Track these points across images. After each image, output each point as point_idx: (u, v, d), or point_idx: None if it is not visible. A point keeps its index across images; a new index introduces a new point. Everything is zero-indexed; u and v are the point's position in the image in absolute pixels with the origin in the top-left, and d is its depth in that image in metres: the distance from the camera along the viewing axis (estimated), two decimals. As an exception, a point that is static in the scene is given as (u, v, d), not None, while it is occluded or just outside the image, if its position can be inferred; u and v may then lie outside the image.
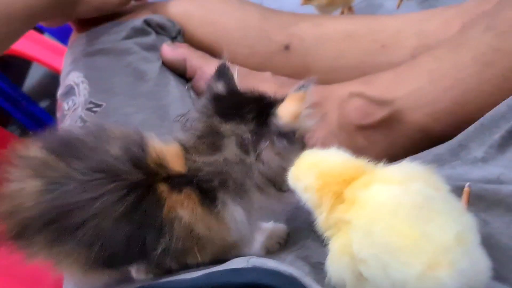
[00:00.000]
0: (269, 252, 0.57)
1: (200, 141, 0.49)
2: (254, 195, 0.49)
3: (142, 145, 0.49)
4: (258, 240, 0.57)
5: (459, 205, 0.37)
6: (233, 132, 0.48)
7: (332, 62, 0.77)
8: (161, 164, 0.48)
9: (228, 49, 0.79)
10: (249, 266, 0.43)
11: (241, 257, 0.47)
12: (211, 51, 0.81)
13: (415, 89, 0.62)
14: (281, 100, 0.48)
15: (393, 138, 0.64)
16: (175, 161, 0.49)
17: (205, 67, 0.77)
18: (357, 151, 0.66)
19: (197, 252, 0.49)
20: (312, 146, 0.68)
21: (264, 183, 0.49)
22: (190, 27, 0.83)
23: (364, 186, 0.39)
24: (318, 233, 0.48)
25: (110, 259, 0.47)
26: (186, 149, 0.49)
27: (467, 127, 0.55)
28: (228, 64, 0.53)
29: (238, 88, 0.52)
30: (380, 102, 0.65)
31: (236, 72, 0.53)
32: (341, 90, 0.70)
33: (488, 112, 0.54)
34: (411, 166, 0.40)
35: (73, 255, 0.47)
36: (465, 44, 0.58)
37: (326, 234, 0.41)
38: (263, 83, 0.75)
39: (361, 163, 0.43)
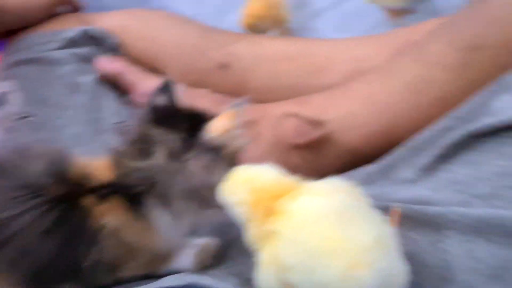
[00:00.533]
0: (201, 268, 0.57)
1: (132, 147, 0.49)
2: (179, 205, 0.49)
3: (65, 161, 0.49)
4: (189, 255, 0.57)
5: (379, 215, 0.39)
6: (164, 139, 0.49)
7: (268, 82, 0.78)
8: (85, 177, 0.48)
9: (165, 65, 0.80)
10: (183, 283, 0.43)
11: (174, 275, 0.47)
12: (149, 66, 0.80)
13: (348, 111, 0.64)
14: (214, 116, 0.49)
15: (326, 158, 0.66)
16: (102, 172, 0.49)
17: (142, 83, 0.76)
18: (291, 169, 0.68)
19: (128, 263, 0.49)
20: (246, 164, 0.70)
21: (188, 194, 0.49)
22: (127, 40, 0.82)
23: (292, 198, 0.41)
24: (249, 248, 0.51)
25: (39, 278, 0.46)
26: (118, 156, 0.49)
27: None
28: (173, 81, 0.54)
29: (179, 104, 0.53)
30: (314, 123, 0.67)
31: (180, 90, 0.54)
32: (276, 109, 0.71)
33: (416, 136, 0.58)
34: (335, 181, 0.42)
35: (1, 276, 0.46)
36: (395, 72, 0.61)
37: (256, 247, 0.42)
38: (199, 100, 0.76)
39: (291, 179, 0.44)
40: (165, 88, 0.53)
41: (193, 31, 0.80)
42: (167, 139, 0.49)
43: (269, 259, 0.40)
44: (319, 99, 0.69)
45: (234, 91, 0.80)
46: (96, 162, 0.50)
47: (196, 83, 0.79)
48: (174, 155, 0.48)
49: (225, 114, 0.49)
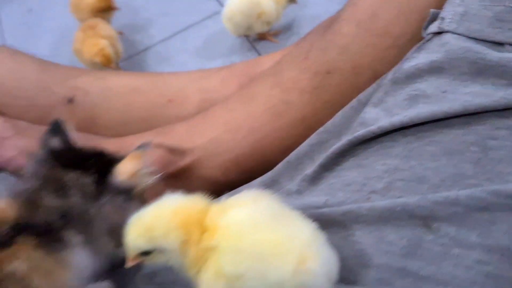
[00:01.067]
0: None
1: (41, 190, 0.48)
2: (98, 243, 0.48)
3: None
4: None
5: (300, 215, 0.44)
6: (77, 182, 0.48)
7: (120, 115, 0.77)
8: None
9: (1, 102, 0.72)
10: None
11: None
12: None
13: (212, 138, 0.68)
14: (120, 158, 0.51)
15: (195, 184, 0.68)
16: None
17: None
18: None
19: None
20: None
21: (106, 233, 0.49)
22: None
23: (220, 213, 0.43)
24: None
25: None
26: (29, 196, 0.47)
27: (267, 167, 0.64)
28: (62, 119, 0.54)
29: (75, 143, 0.53)
30: (180, 152, 0.69)
31: (70, 128, 0.55)
32: (137, 141, 0.71)
33: (284, 154, 0.63)
34: (250, 192, 0.46)
35: None
36: (255, 97, 0.67)
37: (195, 270, 0.43)
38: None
39: (201, 199, 0.46)
40: (56, 129, 0.53)
41: (30, 65, 0.75)
42: (79, 182, 0.48)
43: (214, 274, 0.41)
44: (180, 128, 0.71)
45: (84, 126, 0.76)
46: None
47: (39, 120, 0.74)
48: (88, 199, 0.48)
49: (131, 156, 0.51)
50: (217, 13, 1.10)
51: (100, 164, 0.50)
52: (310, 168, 0.56)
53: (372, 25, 0.58)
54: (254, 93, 0.67)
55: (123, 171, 0.49)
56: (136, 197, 0.50)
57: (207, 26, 1.10)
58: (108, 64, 0.91)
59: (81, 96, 0.76)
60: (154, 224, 0.43)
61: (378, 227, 0.46)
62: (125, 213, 0.48)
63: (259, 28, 0.98)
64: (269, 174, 0.60)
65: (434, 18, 0.53)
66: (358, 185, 0.50)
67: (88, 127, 0.76)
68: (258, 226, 0.42)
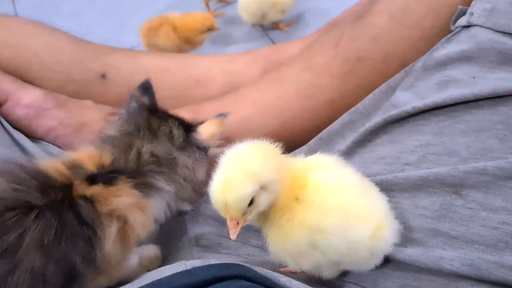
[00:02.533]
0: (149, 270, 0.58)
1: (134, 135, 0.55)
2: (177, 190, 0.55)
3: (33, 168, 0.48)
4: (133, 264, 0.58)
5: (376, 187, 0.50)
6: (167, 133, 0.56)
7: None
8: (75, 169, 0.49)
9: (39, 75, 0.76)
10: (190, 268, 0.45)
11: (169, 265, 0.48)
12: (19, 76, 0.74)
13: (243, 117, 0.72)
14: (201, 122, 0.59)
15: None
16: (90, 161, 0.51)
17: (19, 93, 0.70)
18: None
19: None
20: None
21: (183, 183, 0.56)
22: None
23: (308, 169, 0.48)
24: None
25: None
26: (125, 139, 0.54)
27: (295, 146, 0.69)
28: (151, 80, 0.61)
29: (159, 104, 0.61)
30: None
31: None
32: None
33: (311, 134, 0.69)
34: (326, 156, 0.51)
35: None
36: (286, 80, 0.72)
37: (279, 214, 0.47)
38: (85, 111, 0.74)
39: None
40: (146, 89, 0.60)
41: (66, 40, 0.77)
42: (169, 132, 0.55)
43: (299, 223, 0.46)
44: (212, 106, 0.75)
45: (116, 102, 0.80)
46: (78, 155, 0.51)
47: (75, 94, 0.77)
48: (176, 148, 0.54)
49: (211, 121, 0.58)
50: (233, 1, 1.15)
51: (184, 123, 0.57)
52: (341, 145, 0.62)
53: (404, 18, 0.64)
54: (285, 76, 0.73)
55: (204, 131, 0.57)
56: (210, 157, 0.57)
57: (222, 14, 1.16)
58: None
59: (113, 73, 0.79)
60: (252, 163, 0.45)
61: (413, 193, 0.52)
62: (196, 169, 0.56)
63: (274, 16, 1.04)
64: (302, 150, 0.66)
65: (462, 13, 0.59)
66: (392, 158, 0.56)
67: (120, 102, 0.79)
68: (345, 190, 0.47)
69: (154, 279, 0.45)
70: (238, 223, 0.45)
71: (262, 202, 0.45)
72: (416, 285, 0.49)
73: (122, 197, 0.48)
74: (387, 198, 0.50)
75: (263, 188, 0.45)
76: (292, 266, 0.50)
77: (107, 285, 0.54)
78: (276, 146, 0.49)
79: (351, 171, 0.50)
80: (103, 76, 0.79)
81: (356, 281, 0.51)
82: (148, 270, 0.58)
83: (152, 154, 0.53)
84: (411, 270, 0.49)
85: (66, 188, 0.46)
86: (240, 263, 0.47)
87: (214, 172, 0.47)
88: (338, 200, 0.46)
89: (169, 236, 0.62)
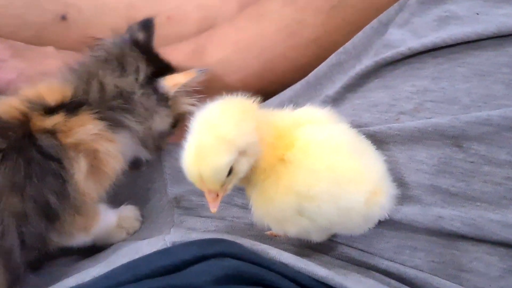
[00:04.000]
0: (129, 233, 0.55)
1: (101, 66, 0.52)
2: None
3: None
4: (112, 223, 0.55)
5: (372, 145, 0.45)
6: (134, 68, 0.52)
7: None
8: (33, 103, 0.47)
9: (-10, 20, 0.67)
10: (169, 245, 0.41)
11: (147, 240, 0.44)
12: None
13: (222, 58, 0.66)
14: (178, 70, 0.55)
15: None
16: (50, 94, 0.48)
17: None
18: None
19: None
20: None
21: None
22: None
23: (296, 125, 0.43)
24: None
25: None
26: (79, 76, 0.51)
27: (276, 89, 0.64)
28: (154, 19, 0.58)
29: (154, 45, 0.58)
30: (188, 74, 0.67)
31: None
32: None
33: (295, 75, 0.63)
34: (320, 109, 0.46)
35: None
36: (266, 16, 0.65)
37: (260, 178, 0.42)
38: (46, 59, 0.67)
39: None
40: (147, 26, 0.57)
41: (19, -21, 0.69)
42: (137, 66, 0.52)
43: (285, 189, 0.41)
44: (187, 48, 0.69)
45: (77, 46, 0.72)
46: (44, 85, 0.49)
47: (32, 40, 0.70)
48: (138, 82, 0.52)
49: (186, 72, 0.54)
50: None
51: (161, 66, 0.55)
52: (330, 89, 0.57)
53: None
54: (265, 12, 0.65)
55: (171, 79, 0.53)
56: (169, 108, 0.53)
57: None
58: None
59: (74, 13, 0.71)
60: (226, 127, 0.40)
61: (409, 146, 0.48)
62: (159, 116, 0.53)
63: None
64: (287, 93, 0.61)
65: None
66: (385, 106, 0.51)
67: (84, 46, 0.72)
68: (338, 150, 0.42)
69: (131, 258, 0.41)
70: (218, 195, 0.41)
71: (242, 168, 0.41)
72: (412, 246, 0.46)
73: (87, 126, 0.46)
74: (384, 158, 0.45)
75: (241, 153, 0.40)
76: (276, 231, 0.46)
77: (86, 241, 0.52)
78: (253, 101, 0.44)
79: (344, 127, 0.45)
80: (63, 18, 0.71)
81: (349, 242, 0.48)
82: (127, 233, 0.55)
83: (116, 87, 0.50)
84: (408, 230, 0.46)
85: (24, 124, 0.45)
86: (225, 235, 0.43)
87: (185, 139, 0.41)
88: (330, 162, 0.41)
89: (149, 197, 0.58)
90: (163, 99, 0.53)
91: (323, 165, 0.41)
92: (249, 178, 0.43)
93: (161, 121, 0.53)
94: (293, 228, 0.44)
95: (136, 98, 0.51)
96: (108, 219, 0.54)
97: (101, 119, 0.48)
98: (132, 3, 0.75)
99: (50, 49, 0.67)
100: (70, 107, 0.47)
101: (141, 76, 0.52)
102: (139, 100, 0.51)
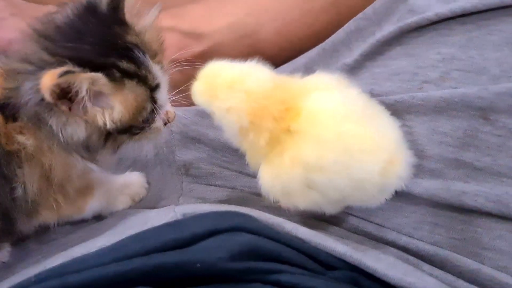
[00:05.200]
0: (134, 201, 0.54)
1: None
2: None
3: None
4: (116, 191, 0.53)
5: (386, 111, 0.42)
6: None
7: None
8: None
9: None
10: (180, 217, 0.39)
11: (156, 211, 0.42)
12: None
13: (233, 21, 0.63)
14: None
15: None
16: None
17: None
18: (173, 86, 0.65)
19: (55, 195, 0.44)
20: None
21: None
22: None
23: (303, 92, 0.40)
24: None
25: None
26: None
27: (289, 56, 0.61)
28: None
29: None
30: (197, 36, 0.64)
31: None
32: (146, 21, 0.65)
33: (311, 41, 0.60)
34: (330, 75, 0.43)
35: None
36: None
37: (264, 151, 0.40)
38: None
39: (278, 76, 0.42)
40: None
41: None
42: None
43: (291, 160, 0.39)
44: (197, 10, 0.66)
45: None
46: None
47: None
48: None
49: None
50: None
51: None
52: (348, 57, 0.54)
53: None
54: (280, -26, 0.62)
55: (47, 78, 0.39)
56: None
57: None
58: None
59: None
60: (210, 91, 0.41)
61: (433, 117, 0.45)
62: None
63: None
64: (301, 60, 0.58)
65: None
66: (408, 74, 0.48)
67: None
68: (348, 117, 0.39)
69: (139, 229, 0.39)
70: None
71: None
72: (432, 222, 0.44)
73: (25, 135, 0.41)
74: (400, 124, 0.43)
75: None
76: (285, 204, 0.44)
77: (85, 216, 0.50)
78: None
79: (355, 92, 0.42)
80: None
81: (365, 216, 0.46)
82: (133, 200, 0.54)
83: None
84: (428, 205, 0.44)
85: None
86: (237, 207, 0.41)
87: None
88: (339, 130, 0.39)
89: (155, 163, 0.56)
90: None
91: (332, 134, 0.39)
92: (254, 150, 0.42)
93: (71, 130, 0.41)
94: (302, 202, 0.42)
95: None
96: (110, 187, 0.51)
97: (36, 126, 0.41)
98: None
99: (51, 7, 0.64)
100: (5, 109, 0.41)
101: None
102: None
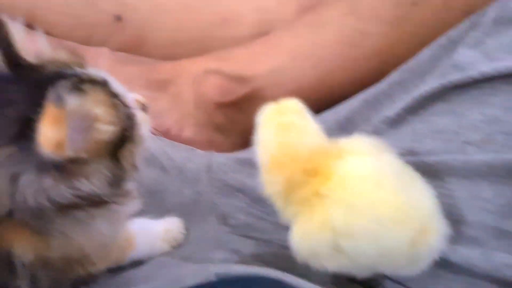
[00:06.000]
0: (172, 246, 0.54)
1: None
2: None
3: None
4: (156, 237, 0.53)
5: (421, 178, 0.41)
6: None
7: (171, 35, 0.72)
8: None
9: (46, 20, 0.68)
10: (213, 277, 0.40)
11: (191, 270, 0.43)
12: (26, 22, 0.66)
13: (276, 66, 0.64)
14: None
15: (252, 115, 0.65)
16: None
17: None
18: (217, 129, 0.66)
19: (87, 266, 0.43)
20: (168, 128, 0.65)
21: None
22: None
23: (335, 156, 0.40)
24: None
25: None
26: None
27: (330, 102, 0.61)
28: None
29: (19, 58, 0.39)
30: (240, 79, 0.65)
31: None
32: (195, 66, 0.67)
33: (352, 88, 0.60)
34: (365, 138, 0.43)
35: None
36: (326, 24, 0.62)
37: (293, 211, 0.41)
38: (100, 61, 0.67)
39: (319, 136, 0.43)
40: None
41: (77, -22, 0.69)
42: None
43: (320, 224, 0.39)
44: (241, 53, 0.67)
45: (133, 46, 0.72)
46: None
47: (87, 40, 0.69)
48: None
49: (49, 116, 0.33)
50: None
51: (23, 116, 0.35)
52: (390, 110, 0.53)
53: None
54: (325, 20, 0.62)
55: (45, 140, 0.34)
56: (71, 173, 0.36)
57: None
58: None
59: (129, 13, 0.70)
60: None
61: (474, 181, 0.44)
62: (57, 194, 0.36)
63: None
64: (343, 111, 0.57)
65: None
66: (450, 133, 0.47)
67: (137, 46, 0.71)
68: (380, 184, 0.38)
69: (173, 285, 0.40)
70: None
71: None
72: None
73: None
74: (439, 186, 0.42)
75: None
76: (315, 266, 0.43)
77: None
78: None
79: (390, 158, 0.41)
80: (118, 18, 0.70)
81: (402, 280, 0.45)
82: (170, 246, 0.54)
83: None
84: (467, 274, 0.43)
85: None
86: (270, 271, 0.41)
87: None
88: (370, 197, 0.38)
89: (194, 209, 0.57)
90: (59, 170, 0.36)
91: (362, 201, 0.38)
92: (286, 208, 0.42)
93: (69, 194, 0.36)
94: (331, 265, 0.41)
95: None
96: (150, 234, 0.52)
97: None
98: (189, 4, 0.73)
99: (104, 50, 0.67)
100: None
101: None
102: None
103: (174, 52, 0.72)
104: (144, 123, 0.43)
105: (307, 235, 0.40)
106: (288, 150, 0.41)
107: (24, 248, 0.37)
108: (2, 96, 0.37)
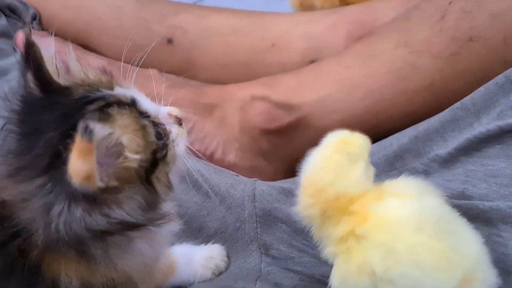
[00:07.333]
0: (214, 274, 0.54)
1: None
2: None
3: None
4: (198, 264, 0.54)
5: (467, 223, 0.40)
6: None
7: (219, 58, 0.72)
8: None
9: (100, 41, 0.69)
10: None
11: None
12: (79, 41, 0.68)
13: (324, 96, 0.63)
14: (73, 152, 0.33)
15: (299, 143, 0.65)
16: None
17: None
18: (260, 155, 0.66)
19: None
20: (212, 152, 0.65)
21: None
22: (48, 11, 0.68)
23: (375, 198, 0.39)
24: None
25: None
26: None
27: (380, 134, 0.60)
28: (32, 35, 0.40)
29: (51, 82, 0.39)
30: (286, 107, 0.65)
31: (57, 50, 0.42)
32: (241, 92, 0.67)
33: (401, 122, 0.59)
34: (412, 180, 0.41)
35: None
36: (376, 56, 0.61)
37: (330, 251, 0.40)
38: (150, 82, 0.68)
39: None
40: (28, 56, 0.39)
41: (130, 0, 0.70)
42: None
43: (358, 267, 0.38)
44: (288, 81, 0.66)
45: (182, 68, 0.73)
46: None
47: (137, 62, 0.71)
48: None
49: (77, 149, 0.33)
50: None
51: (55, 149, 0.35)
52: (441, 148, 0.52)
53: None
54: (375, 51, 0.61)
55: (75, 172, 0.33)
56: (105, 205, 0.36)
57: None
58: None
59: (180, 36, 0.71)
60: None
61: None
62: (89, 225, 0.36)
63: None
64: (391, 148, 0.56)
65: None
66: (506, 178, 0.45)
67: (186, 68, 0.72)
68: (421, 228, 0.37)
69: None
70: None
71: None
72: None
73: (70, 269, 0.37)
74: (485, 240, 0.40)
75: None
76: None
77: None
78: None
79: (434, 203, 0.40)
80: (169, 41, 0.71)
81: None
82: (213, 273, 0.54)
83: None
84: None
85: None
86: None
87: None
88: (411, 242, 0.37)
89: (237, 237, 0.57)
90: (89, 201, 0.35)
91: (402, 245, 0.37)
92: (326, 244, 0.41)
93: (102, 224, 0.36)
94: None
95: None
96: (192, 260, 0.52)
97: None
98: (238, 28, 0.74)
99: (153, 71, 0.67)
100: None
101: None
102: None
103: (221, 75, 0.72)
104: (179, 138, 0.43)
105: (346, 278, 0.39)
106: (327, 179, 0.40)
107: (69, 275, 0.37)
108: (34, 124, 0.38)
